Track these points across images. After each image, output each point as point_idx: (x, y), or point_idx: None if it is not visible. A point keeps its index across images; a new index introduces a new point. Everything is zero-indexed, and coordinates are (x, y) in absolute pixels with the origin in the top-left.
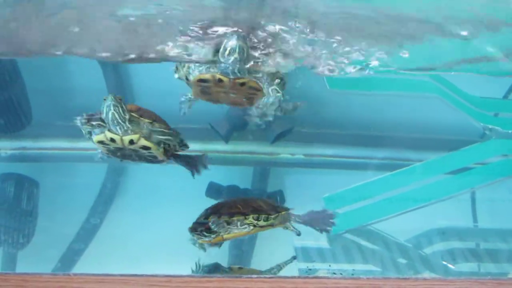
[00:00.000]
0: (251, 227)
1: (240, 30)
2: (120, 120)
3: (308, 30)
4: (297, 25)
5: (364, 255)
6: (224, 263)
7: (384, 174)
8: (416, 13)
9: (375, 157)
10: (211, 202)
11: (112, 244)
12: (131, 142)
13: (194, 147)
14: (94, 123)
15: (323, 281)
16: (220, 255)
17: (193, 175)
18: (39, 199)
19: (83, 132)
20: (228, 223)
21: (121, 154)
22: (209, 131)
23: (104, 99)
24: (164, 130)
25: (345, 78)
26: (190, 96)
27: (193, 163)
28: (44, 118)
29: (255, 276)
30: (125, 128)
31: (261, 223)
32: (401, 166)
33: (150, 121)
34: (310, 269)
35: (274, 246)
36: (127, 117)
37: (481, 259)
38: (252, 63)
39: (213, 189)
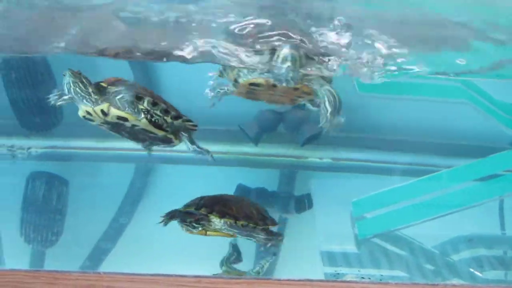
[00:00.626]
0: (235, 231)
1: (292, 36)
2: (84, 94)
3: (348, 33)
4: (337, 30)
5: (391, 260)
6: (250, 267)
7: (413, 180)
8: (454, 17)
9: (403, 162)
10: None
11: (139, 243)
12: (103, 113)
13: (223, 149)
14: (65, 97)
15: (351, 285)
16: (246, 258)
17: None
18: (68, 197)
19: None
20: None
21: (121, 130)
22: (238, 133)
23: (63, 75)
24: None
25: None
26: (227, 90)
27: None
28: (74, 117)
29: (284, 278)
30: (93, 100)
31: (246, 229)
32: (429, 172)
33: (118, 89)
34: (338, 273)
35: (299, 251)
36: (90, 90)
37: (509, 267)
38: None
39: (240, 191)
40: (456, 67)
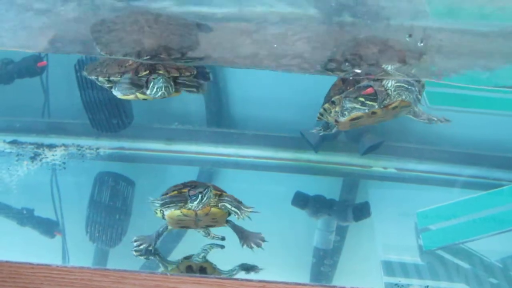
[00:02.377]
0: (225, 203)
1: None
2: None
3: (421, 44)
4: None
5: (455, 273)
6: (307, 277)
7: (477, 193)
8: None
9: (467, 174)
10: (297, 210)
11: (201, 245)
12: None
13: (285, 156)
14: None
15: None
16: (302, 269)
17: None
18: (134, 198)
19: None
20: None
21: None
22: (299, 140)
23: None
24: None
25: (445, 94)
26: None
27: None
28: (143, 120)
29: (349, 286)
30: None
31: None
32: (493, 185)
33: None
34: (402, 285)
35: (359, 261)
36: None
37: None
38: None
39: (299, 198)
40: None
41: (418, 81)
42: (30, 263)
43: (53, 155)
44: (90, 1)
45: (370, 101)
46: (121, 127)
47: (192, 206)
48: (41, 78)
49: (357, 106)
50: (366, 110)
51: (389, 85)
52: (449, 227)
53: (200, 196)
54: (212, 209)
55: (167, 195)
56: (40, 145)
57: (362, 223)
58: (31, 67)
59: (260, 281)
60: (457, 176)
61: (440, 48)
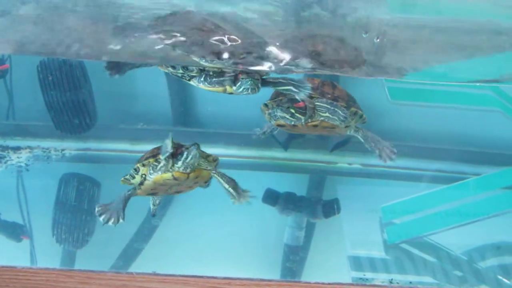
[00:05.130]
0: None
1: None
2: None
3: (377, 40)
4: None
5: (420, 266)
6: (277, 274)
7: (441, 187)
8: (487, 24)
9: (431, 169)
10: (268, 208)
11: (170, 245)
12: None
13: (253, 154)
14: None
15: None
16: (272, 265)
17: None
18: (100, 199)
19: None
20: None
21: None
22: (268, 138)
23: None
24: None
25: (407, 89)
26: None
27: None
28: (108, 120)
29: (313, 281)
30: None
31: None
32: (458, 179)
33: None
34: (365, 278)
35: (327, 255)
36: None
37: None
38: None
39: (269, 196)
40: (486, 74)
41: (354, 113)
42: None
43: (18, 157)
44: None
45: (299, 114)
46: (84, 128)
47: (177, 166)
48: (4, 81)
49: (287, 116)
50: (292, 122)
51: (317, 103)
52: (413, 220)
53: (186, 154)
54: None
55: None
56: (5, 148)
57: (331, 219)
58: None
59: (225, 278)
60: (421, 170)
61: (396, 43)
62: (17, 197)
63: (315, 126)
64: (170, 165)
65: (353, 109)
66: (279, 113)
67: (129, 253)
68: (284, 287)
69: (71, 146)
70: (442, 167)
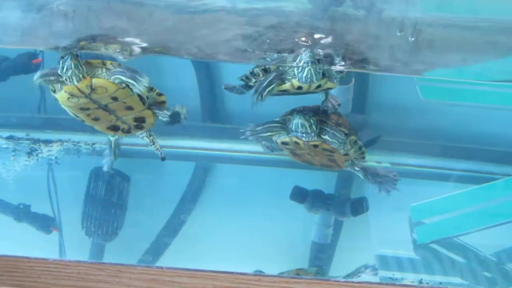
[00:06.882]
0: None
1: None
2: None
3: (412, 38)
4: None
5: (449, 267)
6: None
7: (471, 187)
8: None
9: (461, 169)
10: (295, 205)
11: (197, 240)
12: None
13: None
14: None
15: None
16: (299, 263)
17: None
18: (130, 193)
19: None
20: None
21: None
22: None
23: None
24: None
25: (439, 88)
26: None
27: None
28: None
29: (343, 280)
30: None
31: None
32: (487, 179)
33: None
34: (396, 279)
35: (354, 254)
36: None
37: None
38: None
39: (297, 193)
40: None
41: (354, 141)
42: (27, 257)
43: (49, 150)
44: None
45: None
46: None
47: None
48: None
49: (306, 124)
50: (303, 137)
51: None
52: (443, 220)
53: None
54: (96, 80)
55: None
56: (36, 141)
57: (358, 218)
58: (26, 64)
59: (255, 275)
60: (451, 170)
61: (431, 42)
62: (47, 190)
63: (316, 146)
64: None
65: (353, 137)
66: (300, 120)
67: (157, 248)
68: (313, 285)
69: (101, 140)
70: (471, 167)
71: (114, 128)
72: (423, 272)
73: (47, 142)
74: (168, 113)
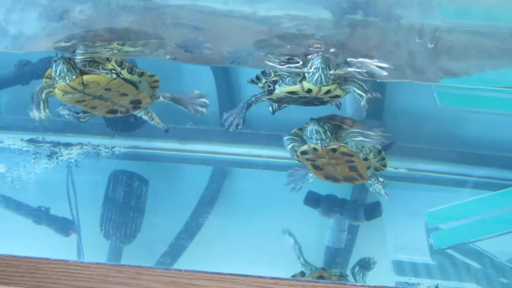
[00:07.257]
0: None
1: None
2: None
3: (432, 45)
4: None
5: (466, 273)
6: None
7: (487, 193)
8: None
9: (477, 175)
10: (309, 210)
11: (214, 244)
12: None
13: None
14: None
15: None
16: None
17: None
18: (147, 196)
19: None
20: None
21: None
22: None
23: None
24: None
25: (456, 94)
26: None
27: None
28: None
29: (359, 284)
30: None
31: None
32: (504, 186)
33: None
34: (412, 284)
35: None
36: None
37: None
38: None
39: (311, 198)
40: None
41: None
42: (47, 259)
43: (69, 153)
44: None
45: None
46: (135, 127)
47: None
48: None
49: (321, 131)
50: (319, 142)
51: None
52: (459, 226)
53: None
54: (86, 77)
55: None
56: (56, 144)
57: (373, 223)
58: (48, 68)
59: (273, 278)
60: (467, 176)
61: (450, 49)
62: (66, 193)
63: (334, 150)
64: None
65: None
66: (314, 126)
67: (175, 251)
68: None
69: (120, 144)
70: (488, 173)
71: (113, 112)
72: (439, 278)
73: (67, 145)
74: (163, 125)
